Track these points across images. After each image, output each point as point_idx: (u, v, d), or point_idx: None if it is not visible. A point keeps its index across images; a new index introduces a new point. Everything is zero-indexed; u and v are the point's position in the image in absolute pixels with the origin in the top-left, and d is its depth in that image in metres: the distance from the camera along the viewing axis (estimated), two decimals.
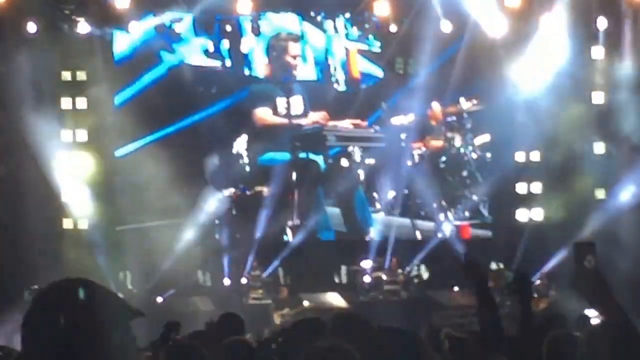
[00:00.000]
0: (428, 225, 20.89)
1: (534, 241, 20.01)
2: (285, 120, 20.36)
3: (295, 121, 20.40)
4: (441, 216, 20.75)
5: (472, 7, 20.14)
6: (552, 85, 20.04)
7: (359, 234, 20.70)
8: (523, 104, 20.39)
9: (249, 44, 20.51)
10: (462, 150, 21.11)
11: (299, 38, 20.65)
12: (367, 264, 20.05)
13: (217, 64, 20.35)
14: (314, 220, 20.27)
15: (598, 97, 20.66)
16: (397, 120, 20.80)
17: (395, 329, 5.27)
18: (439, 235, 20.70)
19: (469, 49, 20.18)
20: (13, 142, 18.15)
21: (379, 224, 20.61)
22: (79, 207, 18.93)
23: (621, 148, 20.29)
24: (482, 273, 5.90)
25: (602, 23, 20.39)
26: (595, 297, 3.68)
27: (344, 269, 20.61)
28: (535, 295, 17.54)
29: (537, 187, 20.98)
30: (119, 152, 19.42)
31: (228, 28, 20.30)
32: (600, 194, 20.55)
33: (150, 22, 19.62)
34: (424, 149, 21.01)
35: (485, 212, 21.24)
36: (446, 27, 20.18)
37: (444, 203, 20.82)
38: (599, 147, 20.48)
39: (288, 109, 20.40)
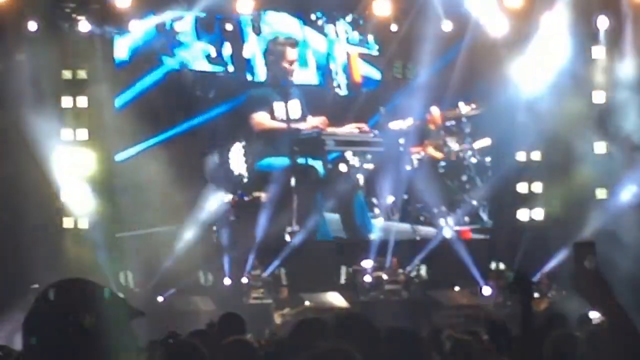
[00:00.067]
0: (428, 230, 20.87)
1: (534, 241, 20.00)
2: (283, 125, 20.35)
3: (293, 125, 20.39)
4: (441, 221, 20.74)
5: (473, 6, 20.14)
6: (552, 85, 20.03)
7: (358, 240, 20.74)
8: (524, 104, 20.39)
9: (251, 49, 20.50)
10: (461, 154, 21.11)
11: (297, 43, 20.65)
12: (367, 263, 20.04)
13: (219, 69, 20.37)
14: (313, 222, 20.27)
15: (599, 97, 20.65)
16: (395, 125, 20.80)
17: (396, 328, 5.27)
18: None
19: (470, 49, 20.17)
20: (13, 141, 18.13)
21: (379, 229, 20.59)
22: (80, 206, 18.92)
23: (622, 147, 20.29)
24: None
25: (602, 22, 20.39)
26: (595, 297, 3.67)
27: (344, 268, 20.60)
28: (536, 295, 17.53)
29: (537, 187, 20.98)
30: (119, 157, 19.42)
31: (229, 27, 20.30)
32: (601, 193, 20.54)
33: (151, 21, 19.61)
34: (422, 153, 21.00)
35: (485, 217, 21.24)
36: (447, 26, 20.18)
37: (443, 208, 20.80)
38: (600, 147, 20.47)
39: (286, 113, 20.40)
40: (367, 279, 19.91)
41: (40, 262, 16.71)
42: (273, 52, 20.50)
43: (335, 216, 20.78)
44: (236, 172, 20.18)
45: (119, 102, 19.42)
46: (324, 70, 21.08)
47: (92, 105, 19.16)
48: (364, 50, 21.24)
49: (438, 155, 21.06)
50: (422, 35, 19.80)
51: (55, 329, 2.80)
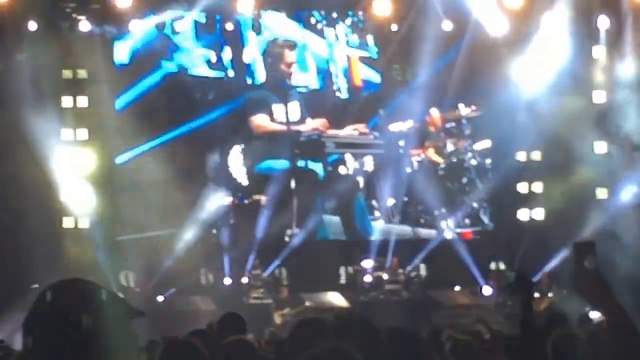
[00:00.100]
0: (428, 232, 20.86)
1: (535, 240, 20.00)
2: (283, 127, 20.35)
3: (294, 127, 20.39)
4: (442, 223, 20.74)
5: (473, 6, 20.13)
6: (553, 85, 20.03)
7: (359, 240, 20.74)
8: (524, 104, 20.39)
9: (252, 53, 20.49)
10: (461, 157, 21.11)
11: (295, 45, 20.63)
12: (368, 263, 20.04)
13: (220, 75, 20.36)
14: (314, 222, 20.27)
15: (599, 96, 20.65)
16: (395, 127, 20.80)
17: (396, 328, 5.27)
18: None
19: (470, 49, 20.17)
20: (13, 140, 18.13)
21: (379, 232, 20.58)
22: (80, 206, 18.92)
23: (622, 147, 20.28)
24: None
25: (603, 22, 20.38)
26: (595, 297, 3.66)
27: (344, 268, 20.59)
28: (537, 295, 17.52)
29: (538, 187, 20.98)
30: (120, 159, 19.42)
31: (229, 27, 20.28)
32: (601, 193, 20.54)
33: (151, 21, 19.61)
34: (422, 155, 20.99)
35: (485, 220, 21.24)
36: (447, 26, 20.18)
37: (444, 210, 20.80)
38: (600, 146, 20.47)
39: (286, 115, 20.40)
40: (368, 278, 19.91)
41: (40, 262, 16.71)
42: (271, 54, 20.49)
43: (336, 219, 20.78)
44: (235, 176, 20.16)
45: (119, 104, 19.42)
46: (325, 74, 21.06)
47: (92, 105, 19.17)
48: (364, 54, 21.24)
49: (438, 159, 21.06)
50: (422, 35, 19.80)
51: (54, 329, 2.80)
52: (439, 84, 20.38)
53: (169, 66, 19.97)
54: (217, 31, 20.30)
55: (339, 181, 20.41)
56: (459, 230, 20.88)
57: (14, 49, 18.39)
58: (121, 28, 19.46)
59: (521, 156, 20.87)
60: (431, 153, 21.08)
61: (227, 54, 20.34)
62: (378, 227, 20.62)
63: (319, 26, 21.00)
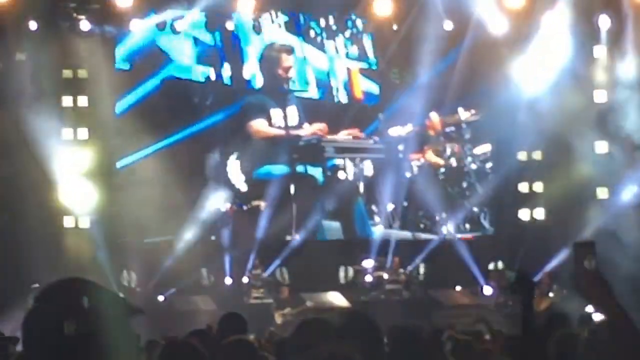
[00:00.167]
0: (429, 238, 20.84)
1: (536, 240, 20.00)
2: (282, 132, 20.33)
3: (293, 132, 20.37)
4: (442, 228, 20.73)
5: (474, 6, 20.12)
6: (553, 84, 20.03)
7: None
8: (525, 103, 20.38)
9: (251, 69, 20.44)
10: (461, 161, 21.10)
11: (292, 50, 20.61)
12: (368, 263, 20.04)
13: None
14: (314, 222, 20.26)
15: (600, 96, 20.64)
16: (394, 131, 20.78)
17: (398, 327, 5.27)
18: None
19: (470, 49, 20.17)
20: (13, 140, 18.12)
21: (379, 237, 20.55)
22: (80, 206, 18.91)
23: (623, 147, 20.27)
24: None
25: (604, 21, 20.38)
26: (595, 297, 3.66)
27: (345, 268, 20.59)
28: (537, 295, 17.52)
29: (539, 187, 20.97)
30: (120, 164, 19.42)
31: (229, 26, 20.25)
32: (601, 192, 20.53)
33: (152, 20, 19.60)
34: (422, 160, 20.98)
35: (486, 224, 21.24)
36: (448, 26, 20.18)
37: (444, 215, 20.79)
38: (601, 146, 20.46)
39: (284, 120, 20.38)
40: (368, 278, 19.91)
41: (40, 262, 16.70)
42: (268, 58, 20.46)
43: (335, 224, 20.77)
44: (234, 182, 20.12)
45: (119, 108, 19.41)
46: (325, 88, 21.06)
47: (92, 105, 19.16)
48: (364, 66, 21.25)
49: (438, 162, 21.04)
50: (423, 35, 19.79)
51: (54, 328, 2.80)
52: (439, 85, 20.37)
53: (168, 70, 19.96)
54: (217, 31, 20.26)
55: (338, 186, 20.40)
56: (459, 235, 20.87)
57: (14, 48, 18.39)
58: (121, 28, 19.46)
59: (522, 156, 20.87)
60: (431, 156, 21.06)
61: (227, 70, 20.30)
62: (378, 232, 20.60)
63: (319, 39, 20.99)
